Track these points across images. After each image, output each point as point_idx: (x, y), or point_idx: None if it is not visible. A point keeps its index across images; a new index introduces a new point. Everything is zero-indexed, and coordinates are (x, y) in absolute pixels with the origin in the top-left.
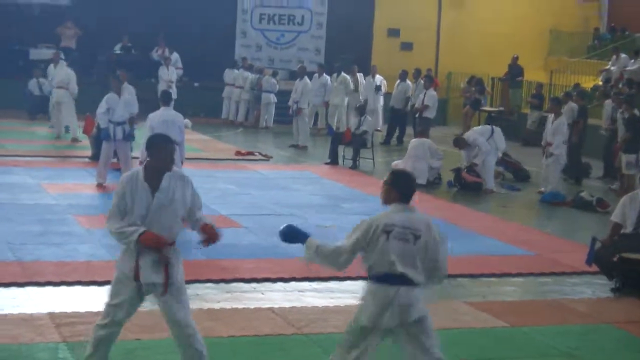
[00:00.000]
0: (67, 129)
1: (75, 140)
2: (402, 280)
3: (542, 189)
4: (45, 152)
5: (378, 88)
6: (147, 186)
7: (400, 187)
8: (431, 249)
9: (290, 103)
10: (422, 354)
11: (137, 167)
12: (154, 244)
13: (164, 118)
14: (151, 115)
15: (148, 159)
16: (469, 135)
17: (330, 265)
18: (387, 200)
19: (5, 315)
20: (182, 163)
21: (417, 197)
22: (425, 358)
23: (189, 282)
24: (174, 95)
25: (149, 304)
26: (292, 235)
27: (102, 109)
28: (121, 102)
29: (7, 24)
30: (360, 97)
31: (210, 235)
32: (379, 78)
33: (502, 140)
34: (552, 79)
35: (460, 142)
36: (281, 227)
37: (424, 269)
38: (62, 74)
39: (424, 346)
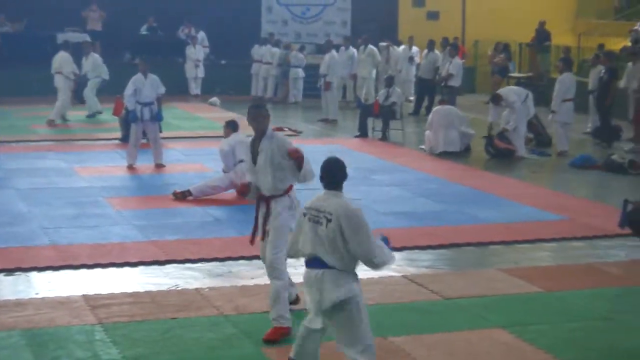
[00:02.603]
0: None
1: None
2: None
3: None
4: (77, 136)
5: (411, 59)
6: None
7: (322, 175)
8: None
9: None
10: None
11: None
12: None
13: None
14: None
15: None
16: (506, 92)
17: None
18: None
19: (42, 298)
20: None
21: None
22: (346, 351)
23: (222, 259)
24: (201, 74)
25: (182, 283)
26: None
27: (129, 91)
28: (147, 82)
29: (33, 10)
30: (390, 70)
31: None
32: (415, 49)
33: (532, 106)
34: (580, 42)
35: (496, 99)
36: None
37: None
38: (90, 63)
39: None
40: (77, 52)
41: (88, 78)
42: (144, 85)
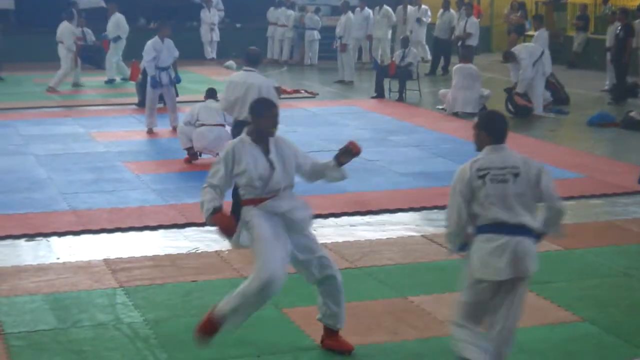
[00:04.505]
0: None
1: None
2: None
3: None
4: (94, 101)
5: (419, 20)
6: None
7: (490, 129)
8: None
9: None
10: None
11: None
12: (221, 229)
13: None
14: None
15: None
16: (520, 50)
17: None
18: (480, 144)
19: (63, 263)
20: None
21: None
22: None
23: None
24: (217, 38)
25: (202, 246)
26: None
27: (150, 56)
28: (165, 47)
29: None
30: (407, 30)
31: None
32: (424, 9)
33: (549, 63)
34: None
35: (509, 56)
36: None
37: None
38: (112, 23)
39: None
40: (91, 18)
41: (110, 39)
42: (162, 50)
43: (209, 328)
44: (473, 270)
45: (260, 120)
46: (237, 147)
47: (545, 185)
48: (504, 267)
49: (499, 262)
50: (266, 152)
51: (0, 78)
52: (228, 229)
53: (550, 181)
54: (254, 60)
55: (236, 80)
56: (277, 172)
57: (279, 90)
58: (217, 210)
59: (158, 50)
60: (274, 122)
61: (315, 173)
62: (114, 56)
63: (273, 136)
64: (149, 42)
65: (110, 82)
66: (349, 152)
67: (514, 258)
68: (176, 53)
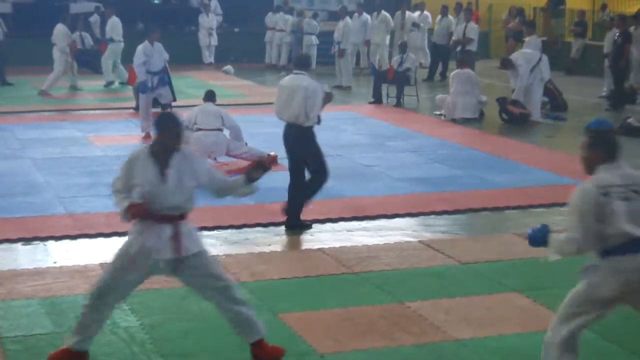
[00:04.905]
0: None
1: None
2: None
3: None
4: (91, 105)
5: (415, 24)
6: (154, 163)
7: (604, 146)
8: None
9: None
10: None
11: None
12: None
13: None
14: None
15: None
16: (517, 57)
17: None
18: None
19: (60, 267)
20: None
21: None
22: None
23: (238, 226)
24: (215, 42)
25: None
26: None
27: (140, 60)
28: (155, 51)
29: None
30: (405, 36)
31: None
32: (424, 15)
33: (547, 69)
34: (595, 6)
35: (506, 63)
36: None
37: None
38: (109, 26)
39: None
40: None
41: (107, 42)
42: (153, 55)
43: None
44: None
45: (163, 134)
46: (133, 158)
47: None
48: None
49: None
50: (164, 166)
51: (9, 83)
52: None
53: None
54: (303, 63)
55: (284, 84)
56: (169, 187)
57: (331, 96)
58: (132, 205)
59: (148, 54)
60: (177, 138)
61: (224, 190)
62: (109, 59)
63: (178, 151)
64: (140, 47)
65: (109, 84)
66: (260, 166)
67: None
68: (166, 55)
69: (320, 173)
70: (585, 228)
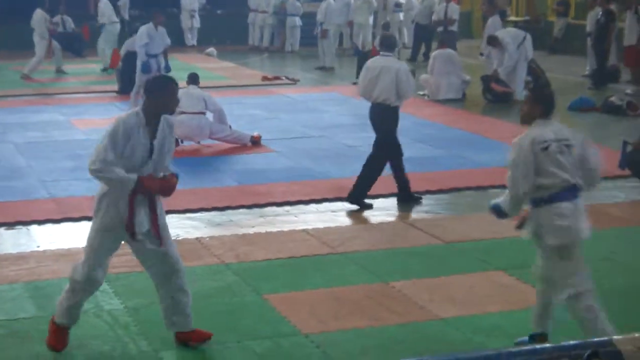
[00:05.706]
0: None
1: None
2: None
3: None
4: (74, 88)
5: (397, 5)
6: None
7: (544, 102)
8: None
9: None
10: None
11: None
12: (163, 188)
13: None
14: None
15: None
16: (503, 35)
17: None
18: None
19: (43, 251)
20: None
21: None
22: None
23: (222, 208)
24: (197, 24)
25: (183, 233)
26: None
27: (143, 42)
28: (158, 34)
29: None
30: (387, 16)
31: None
32: None
33: (530, 48)
34: None
35: (493, 40)
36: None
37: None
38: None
39: None
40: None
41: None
42: (155, 38)
43: (61, 337)
44: None
45: (158, 96)
46: (128, 128)
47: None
48: None
49: None
50: (153, 137)
51: None
52: (169, 187)
53: None
54: (389, 45)
55: (371, 65)
56: (152, 162)
57: (414, 73)
58: (145, 178)
59: (151, 36)
60: (174, 99)
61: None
62: (106, 43)
63: (165, 119)
64: (143, 28)
65: (105, 70)
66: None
67: None
68: (168, 41)
69: (384, 150)
70: (528, 179)
